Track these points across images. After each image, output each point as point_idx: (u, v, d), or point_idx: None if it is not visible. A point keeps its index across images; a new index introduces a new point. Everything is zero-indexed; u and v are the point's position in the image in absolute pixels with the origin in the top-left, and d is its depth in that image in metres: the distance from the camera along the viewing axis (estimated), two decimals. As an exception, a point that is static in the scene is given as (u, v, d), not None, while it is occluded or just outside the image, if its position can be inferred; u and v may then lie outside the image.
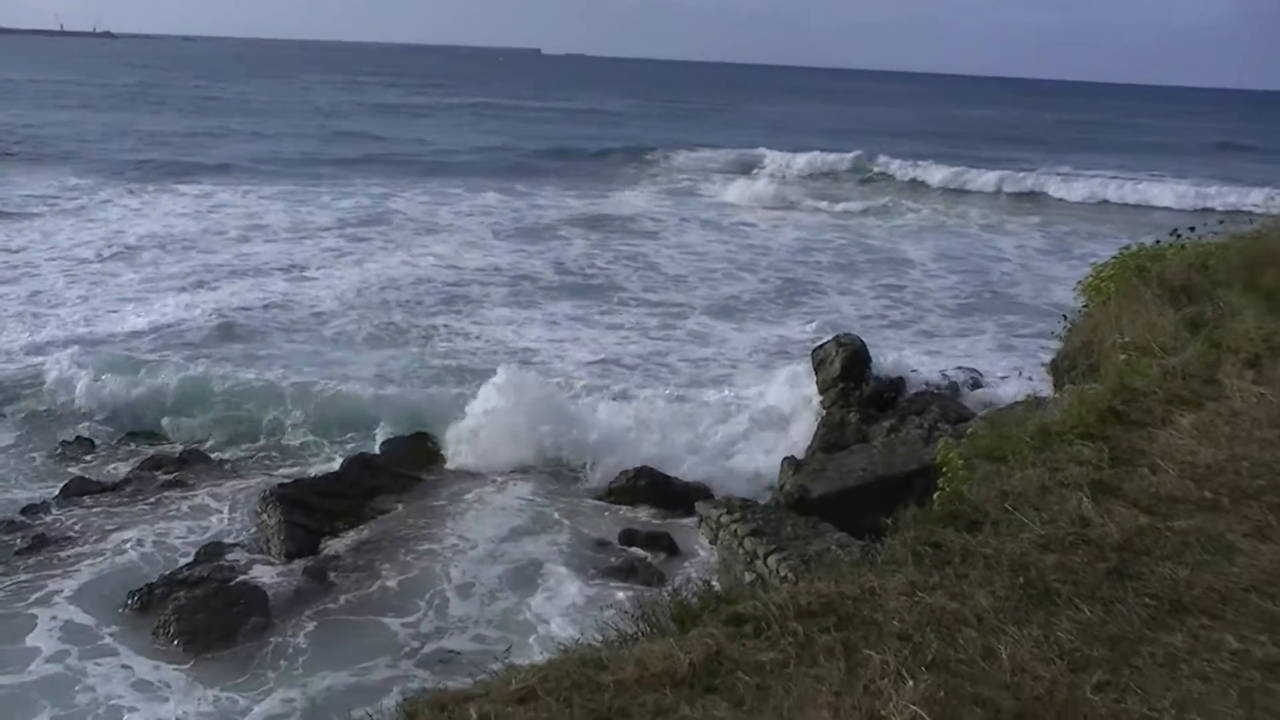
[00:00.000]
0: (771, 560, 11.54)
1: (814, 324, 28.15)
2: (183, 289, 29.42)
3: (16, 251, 33.60)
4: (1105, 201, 58.57)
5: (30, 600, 14.25)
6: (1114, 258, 13.15)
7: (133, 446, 19.50)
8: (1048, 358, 13.91)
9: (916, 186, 60.87)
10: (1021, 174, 63.47)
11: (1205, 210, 47.38)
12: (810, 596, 5.58)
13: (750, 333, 27.55)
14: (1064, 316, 13.73)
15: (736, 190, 56.46)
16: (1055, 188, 60.66)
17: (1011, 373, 22.44)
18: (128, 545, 15.86)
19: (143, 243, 35.61)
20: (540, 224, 43.21)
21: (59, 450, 19.11)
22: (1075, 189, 60.33)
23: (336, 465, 18.54)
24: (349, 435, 19.94)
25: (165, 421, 20.16)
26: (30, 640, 13.29)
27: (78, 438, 19.51)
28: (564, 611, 14.31)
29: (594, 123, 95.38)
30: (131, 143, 62.63)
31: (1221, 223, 13.87)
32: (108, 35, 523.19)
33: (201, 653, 13.13)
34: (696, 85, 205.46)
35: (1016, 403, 12.42)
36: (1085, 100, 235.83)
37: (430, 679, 12.15)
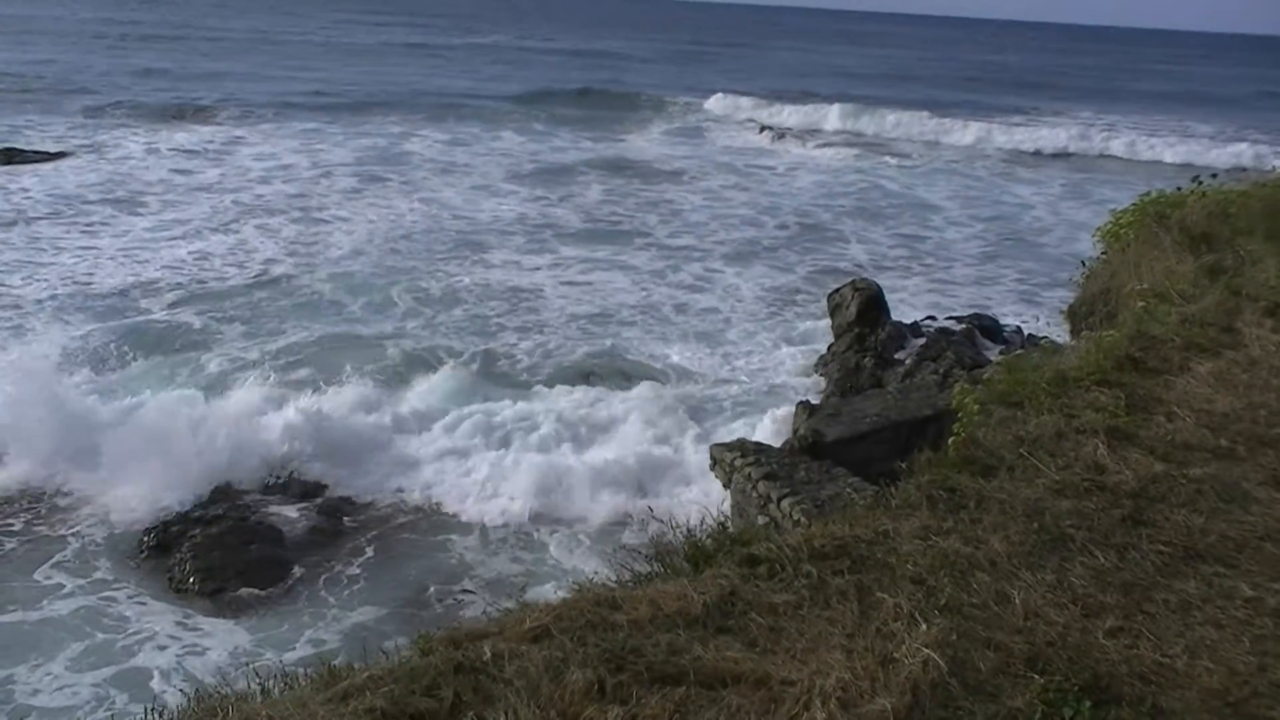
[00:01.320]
0: (785, 504, 11.53)
1: (821, 270, 27.90)
2: (197, 234, 29.21)
3: (38, 193, 33.45)
4: (1109, 155, 57.05)
5: (53, 536, 14.39)
6: (1134, 204, 13.05)
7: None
8: (1065, 305, 13.85)
9: (935, 132, 60.11)
10: (1043, 123, 62.59)
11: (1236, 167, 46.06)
12: (824, 539, 5.60)
13: (760, 280, 27.31)
14: (1082, 263, 13.65)
15: (752, 134, 56.22)
16: (1075, 137, 59.25)
17: (1029, 319, 22.37)
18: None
19: (155, 187, 35.35)
20: (557, 166, 42.93)
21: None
22: (1094, 140, 59.13)
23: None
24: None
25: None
26: (45, 578, 13.45)
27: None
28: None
29: (606, 65, 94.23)
30: (144, 81, 62.14)
31: (1245, 170, 13.76)
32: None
33: (216, 591, 13.26)
34: (707, 26, 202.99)
35: (1033, 349, 12.39)
36: (1107, 45, 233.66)
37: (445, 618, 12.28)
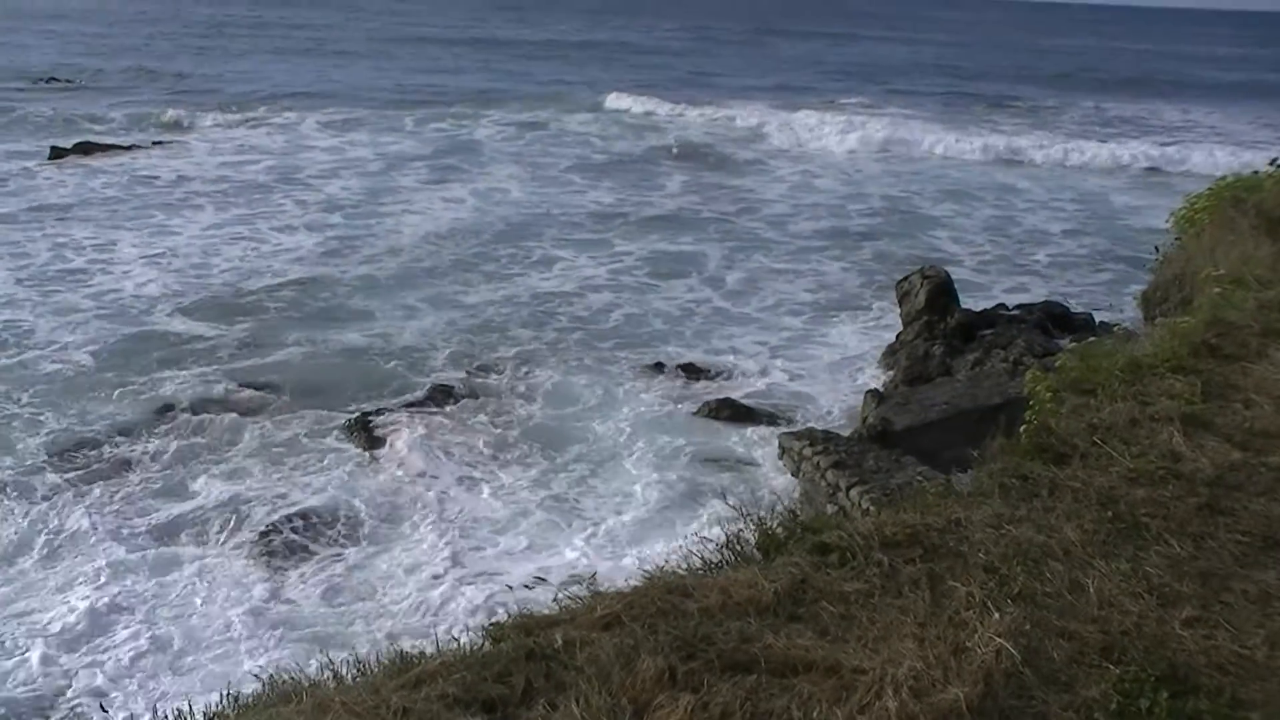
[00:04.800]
0: (854, 493, 11.54)
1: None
2: (257, 232, 29.31)
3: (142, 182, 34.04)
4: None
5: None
6: (1209, 188, 12.87)
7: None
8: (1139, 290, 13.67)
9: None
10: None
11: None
12: (896, 527, 5.58)
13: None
14: (1155, 248, 13.47)
15: (793, 133, 53.28)
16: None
17: (1102, 306, 22.05)
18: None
19: (214, 183, 35.55)
20: (616, 159, 42.94)
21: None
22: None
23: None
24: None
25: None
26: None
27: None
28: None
29: (646, 61, 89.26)
30: (209, 76, 63.14)
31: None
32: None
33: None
34: (737, 12, 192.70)
35: (1107, 335, 12.25)
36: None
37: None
